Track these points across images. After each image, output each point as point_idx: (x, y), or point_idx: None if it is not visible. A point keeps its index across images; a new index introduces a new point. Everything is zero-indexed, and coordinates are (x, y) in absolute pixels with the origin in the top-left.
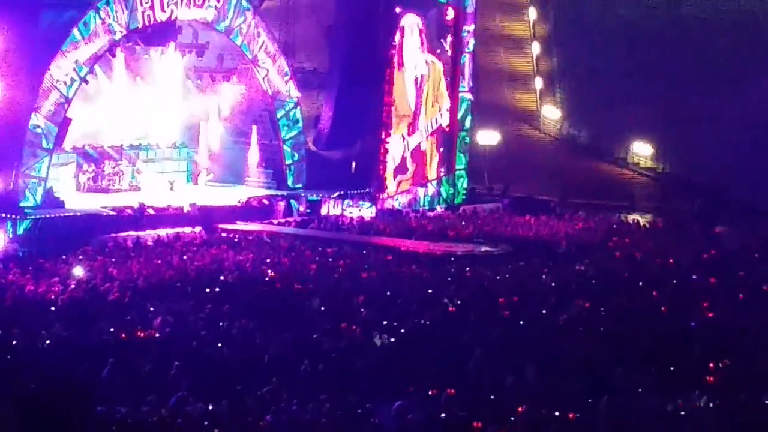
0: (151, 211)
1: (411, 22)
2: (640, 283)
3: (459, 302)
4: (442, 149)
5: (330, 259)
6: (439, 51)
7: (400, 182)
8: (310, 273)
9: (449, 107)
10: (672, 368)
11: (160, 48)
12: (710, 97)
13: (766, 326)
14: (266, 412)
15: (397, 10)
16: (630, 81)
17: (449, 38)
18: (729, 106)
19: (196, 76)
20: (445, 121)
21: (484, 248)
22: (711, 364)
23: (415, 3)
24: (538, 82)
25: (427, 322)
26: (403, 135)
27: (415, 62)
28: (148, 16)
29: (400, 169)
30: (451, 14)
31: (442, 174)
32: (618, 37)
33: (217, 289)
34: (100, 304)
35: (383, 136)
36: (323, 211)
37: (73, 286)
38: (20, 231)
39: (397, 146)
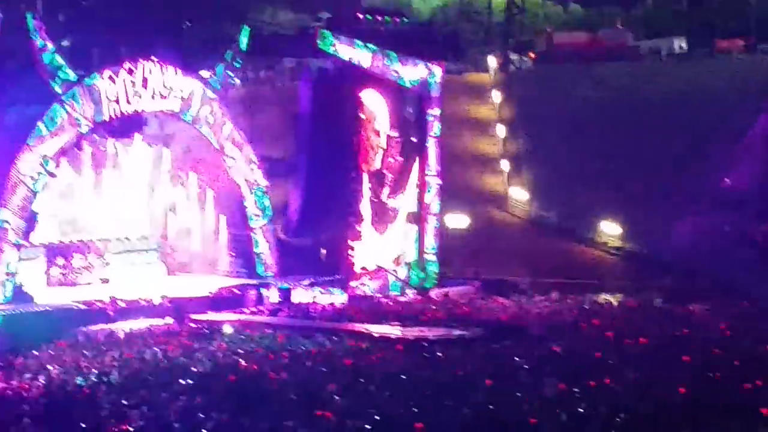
0: (121, 304)
1: (373, 98)
2: (613, 363)
3: (433, 387)
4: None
5: (302, 347)
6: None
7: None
8: (282, 361)
9: (418, 191)
10: None
11: (126, 140)
12: (675, 175)
13: (743, 403)
14: None
15: (361, 95)
16: (597, 161)
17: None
18: (695, 184)
19: (163, 167)
20: (412, 206)
21: (456, 332)
22: None
23: (378, 85)
24: (506, 164)
25: (402, 408)
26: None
27: (381, 134)
28: (114, 108)
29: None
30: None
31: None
32: (583, 117)
33: (190, 381)
34: (72, 399)
35: (352, 223)
36: (294, 299)
37: (44, 382)
38: None
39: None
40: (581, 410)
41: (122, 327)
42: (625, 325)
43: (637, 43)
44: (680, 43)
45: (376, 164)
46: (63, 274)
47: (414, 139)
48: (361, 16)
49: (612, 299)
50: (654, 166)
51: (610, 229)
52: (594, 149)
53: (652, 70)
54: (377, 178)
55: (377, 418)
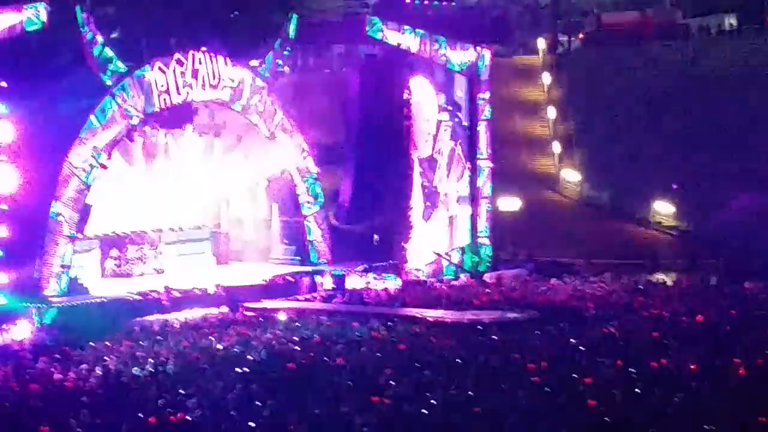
0: (176, 294)
1: (422, 83)
2: (669, 342)
3: (488, 370)
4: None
5: (357, 333)
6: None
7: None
8: (337, 348)
9: (469, 175)
10: (707, 427)
11: (177, 130)
12: (728, 153)
13: None
14: None
15: (410, 80)
16: (648, 141)
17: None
18: (749, 162)
19: (214, 156)
20: (463, 191)
21: (510, 315)
22: (747, 422)
23: (426, 70)
24: (556, 146)
25: (458, 392)
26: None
27: (431, 119)
28: (164, 99)
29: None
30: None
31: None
32: (633, 97)
33: (246, 369)
34: (129, 390)
35: (404, 208)
36: (348, 285)
37: (100, 373)
38: (46, 320)
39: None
40: (638, 390)
41: (177, 317)
42: (680, 304)
43: (686, 20)
44: (730, 20)
45: (427, 149)
46: (117, 266)
47: (465, 123)
48: (408, 1)
49: (667, 279)
50: (706, 144)
51: (663, 209)
52: (645, 128)
53: (703, 47)
54: (428, 163)
55: (433, 402)
